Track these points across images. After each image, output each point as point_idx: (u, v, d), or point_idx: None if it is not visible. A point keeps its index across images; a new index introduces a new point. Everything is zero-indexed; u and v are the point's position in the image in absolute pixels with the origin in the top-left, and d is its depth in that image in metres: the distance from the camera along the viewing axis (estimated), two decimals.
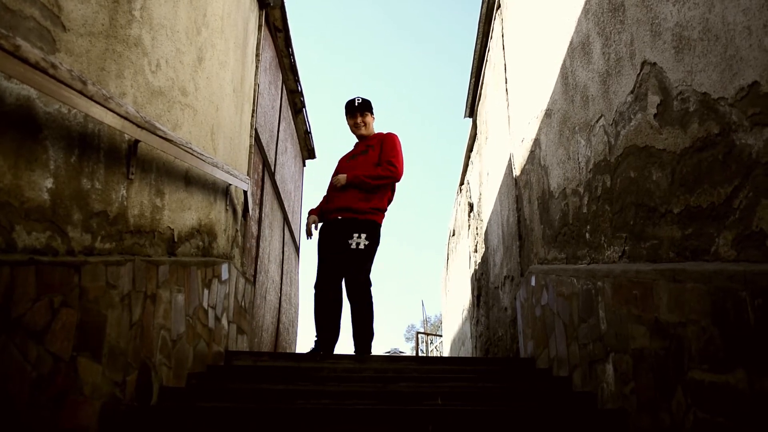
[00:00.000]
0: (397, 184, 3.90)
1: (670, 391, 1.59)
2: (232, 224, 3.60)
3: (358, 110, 3.94)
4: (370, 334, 3.64)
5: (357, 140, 4.03)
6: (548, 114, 3.06)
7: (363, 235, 3.68)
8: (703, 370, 1.41)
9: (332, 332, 3.67)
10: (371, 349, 3.64)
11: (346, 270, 3.66)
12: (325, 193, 4.03)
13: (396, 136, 3.94)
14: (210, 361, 2.91)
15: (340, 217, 3.74)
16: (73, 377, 1.55)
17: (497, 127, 4.76)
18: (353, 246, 3.65)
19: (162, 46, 2.30)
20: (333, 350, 3.66)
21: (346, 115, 4.01)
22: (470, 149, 6.74)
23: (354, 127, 3.97)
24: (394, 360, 3.45)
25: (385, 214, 3.89)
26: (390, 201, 3.92)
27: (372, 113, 4.02)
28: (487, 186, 5.42)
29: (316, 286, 3.76)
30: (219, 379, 2.67)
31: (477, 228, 6.27)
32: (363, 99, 3.98)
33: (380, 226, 3.83)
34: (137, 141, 1.99)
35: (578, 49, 2.51)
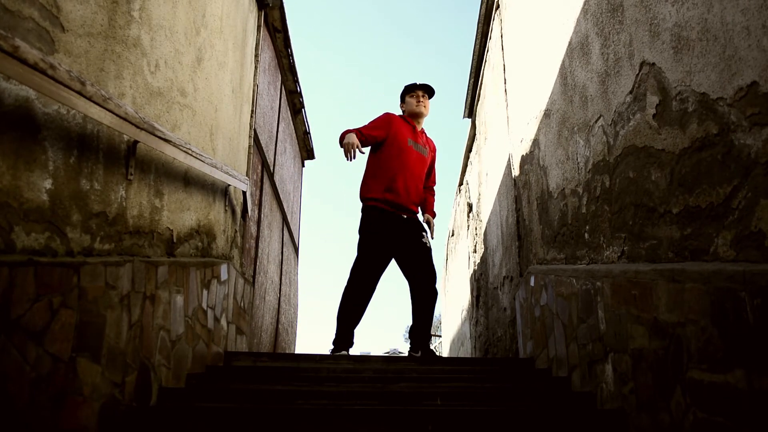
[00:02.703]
0: None
1: (669, 390, 1.59)
2: (231, 225, 3.60)
3: (421, 89, 4.04)
4: (430, 327, 3.78)
5: (410, 118, 4.02)
6: (547, 114, 3.06)
7: (427, 234, 3.91)
8: (702, 370, 1.41)
9: (355, 326, 3.76)
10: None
11: (422, 267, 3.78)
12: (361, 131, 3.82)
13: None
14: (209, 362, 2.91)
15: (405, 216, 3.84)
16: (72, 378, 1.55)
17: (496, 128, 4.76)
18: (428, 244, 3.86)
19: (161, 47, 2.30)
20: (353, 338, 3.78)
21: (407, 93, 4.06)
22: (469, 149, 6.75)
23: (416, 104, 4.00)
24: (393, 360, 3.45)
25: None
26: None
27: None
28: (486, 186, 5.43)
29: (361, 281, 3.71)
30: (218, 379, 2.67)
31: (476, 228, 6.27)
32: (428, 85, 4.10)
33: None
34: (136, 142, 1.99)
35: (577, 49, 2.51)
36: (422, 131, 4.07)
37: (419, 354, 3.66)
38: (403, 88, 4.13)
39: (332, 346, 3.68)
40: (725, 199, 1.38)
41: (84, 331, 1.61)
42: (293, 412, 1.99)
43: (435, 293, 3.78)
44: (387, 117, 3.93)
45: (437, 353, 4.39)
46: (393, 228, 3.76)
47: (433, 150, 4.16)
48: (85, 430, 1.63)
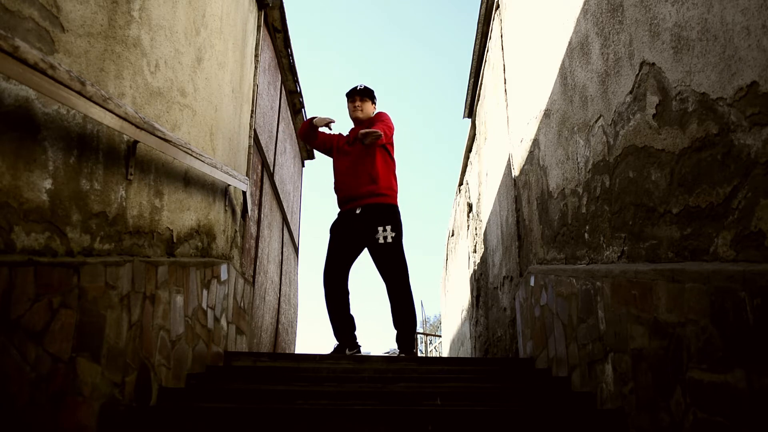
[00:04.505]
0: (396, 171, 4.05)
1: (669, 390, 1.59)
2: (231, 225, 3.60)
3: (357, 94, 4.06)
4: (413, 330, 3.72)
5: (353, 125, 4.13)
6: (547, 114, 3.06)
7: (388, 227, 3.70)
8: (702, 370, 1.41)
9: (350, 326, 3.75)
10: (416, 346, 3.73)
11: (385, 267, 3.72)
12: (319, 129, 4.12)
13: (385, 112, 4.07)
14: (209, 362, 2.91)
15: (357, 211, 3.78)
16: (72, 378, 1.55)
17: (496, 128, 4.76)
18: (381, 240, 3.69)
19: (161, 47, 2.30)
20: (356, 341, 3.78)
21: (347, 100, 4.12)
22: (469, 149, 6.75)
23: (353, 110, 4.06)
24: (393, 360, 3.45)
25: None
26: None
27: (373, 102, 4.10)
28: (486, 186, 5.43)
29: (326, 286, 3.80)
30: (218, 379, 2.67)
31: (476, 228, 6.27)
32: (365, 86, 4.08)
33: (399, 210, 3.88)
34: (136, 142, 1.99)
35: (577, 49, 2.51)
36: (366, 122, 4.07)
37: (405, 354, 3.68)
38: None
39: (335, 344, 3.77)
40: (725, 199, 1.38)
41: (84, 331, 1.61)
42: (293, 412, 1.99)
43: (402, 289, 3.69)
44: (331, 136, 4.13)
45: (437, 354, 4.41)
46: (346, 225, 3.82)
47: (374, 119, 4.01)
48: (85, 430, 1.63)
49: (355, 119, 4.08)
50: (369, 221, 3.75)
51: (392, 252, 3.72)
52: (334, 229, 3.93)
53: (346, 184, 3.86)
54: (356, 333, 3.83)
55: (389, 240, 3.70)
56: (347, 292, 3.84)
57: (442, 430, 1.95)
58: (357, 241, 3.80)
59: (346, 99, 4.15)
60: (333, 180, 4.06)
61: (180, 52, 2.54)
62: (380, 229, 3.70)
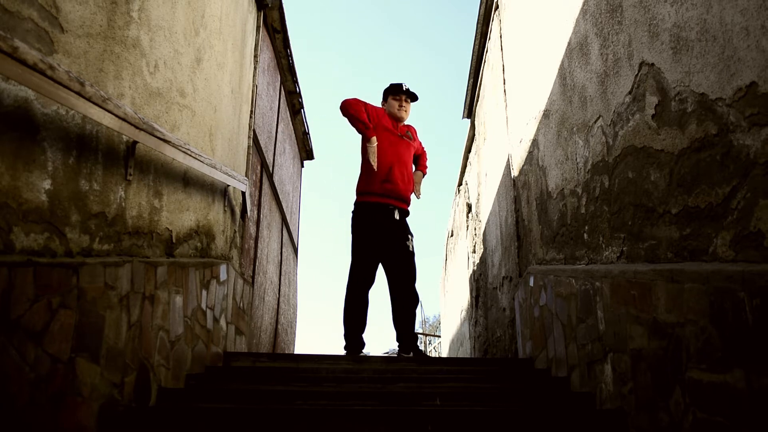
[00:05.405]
0: None
1: (668, 390, 1.59)
2: (231, 225, 3.59)
3: (405, 94, 4.06)
4: (414, 328, 3.83)
5: (392, 119, 4.05)
6: (546, 115, 3.06)
7: (411, 238, 3.88)
8: (702, 370, 1.41)
9: (362, 332, 3.76)
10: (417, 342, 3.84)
11: (404, 272, 3.79)
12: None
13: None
14: (208, 362, 2.91)
15: (396, 216, 3.81)
16: (71, 378, 1.55)
17: (495, 128, 4.76)
18: (411, 249, 3.83)
19: (160, 48, 2.30)
20: (362, 340, 3.81)
21: (391, 93, 4.06)
22: (468, 150, 6.75)
23: (398, 108, 4.02)
24: (392, 360, 3.45)
25: None
26: None
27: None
28: (486, 187, 5.43)
29: (353, 287, 3.75)
30: (218, 380, 2.67)
31: (475, 229, 6.27)
32: (409, 89, 4.10)
33: None
34: (135, 142, 1.99)
35: (576, 49, 2.51)
36: (404, 127, 4.10)
37: (411, 354, 3.67)
38: (389, 85, 4.11)
39: (345, 351, 3.74)
40: (724, 199, 1.38)
41: (83, 331, 1.61)
42: (292, 412, 1.99)
43: (416, 297, 3.79)
44: (374, 109, 3.97)
45: (437, 354, 4.46)
46: (383, 224, 3.77)
47: (414, 132, 4.16)
48: (85, 430, 1.62)
49: (398, 118, 4.01)
50: (404, 228, 3.83)
51: (413, 260, 3.83)
52: (368, 223, 3.75)
53: (398, 176, 3.81)
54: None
55: (413, 249, 3.85)
56: (368, 300, 3.81)
57: (441, 430, 1.95)
58: (389, 244, 3.76)
59: (389, 91, 4.06)
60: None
61: (179, 53, 2.54)
62: (410, 236, 3.85)
